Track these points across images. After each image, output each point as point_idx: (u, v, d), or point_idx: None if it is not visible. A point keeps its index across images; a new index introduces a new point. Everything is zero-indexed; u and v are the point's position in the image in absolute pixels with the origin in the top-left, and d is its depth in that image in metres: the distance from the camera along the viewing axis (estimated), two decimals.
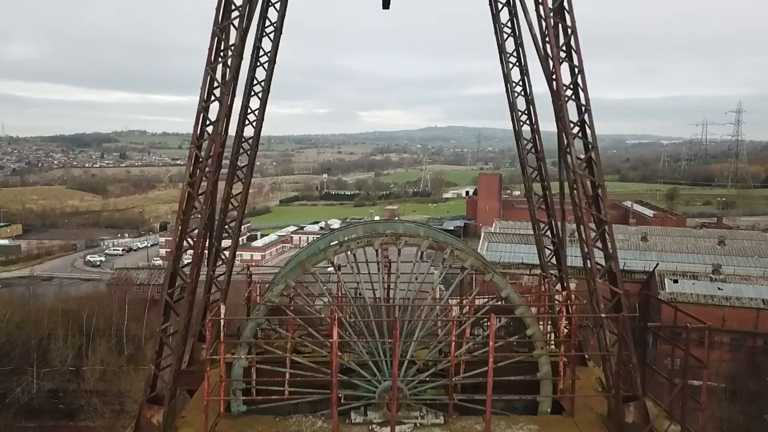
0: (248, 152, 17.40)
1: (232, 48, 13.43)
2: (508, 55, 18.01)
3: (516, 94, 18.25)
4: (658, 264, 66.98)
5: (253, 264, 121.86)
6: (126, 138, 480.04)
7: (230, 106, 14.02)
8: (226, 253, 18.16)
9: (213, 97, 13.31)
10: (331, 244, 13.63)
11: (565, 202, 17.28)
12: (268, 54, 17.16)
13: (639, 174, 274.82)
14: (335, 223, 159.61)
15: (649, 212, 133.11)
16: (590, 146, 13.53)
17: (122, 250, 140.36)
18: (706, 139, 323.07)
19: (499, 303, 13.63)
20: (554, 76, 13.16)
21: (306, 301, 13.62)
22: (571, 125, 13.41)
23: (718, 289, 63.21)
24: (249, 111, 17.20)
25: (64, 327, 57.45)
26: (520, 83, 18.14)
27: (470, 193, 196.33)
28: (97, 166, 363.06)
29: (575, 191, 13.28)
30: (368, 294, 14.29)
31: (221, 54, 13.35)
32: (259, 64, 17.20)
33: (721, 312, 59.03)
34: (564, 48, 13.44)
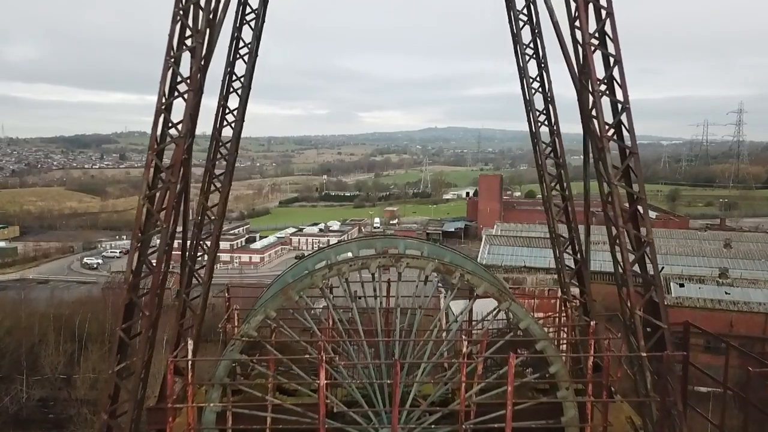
0: (226, 157, 15.28)
1: (198, 34, 11.40)
2: (524, 46, 15.96)
3: (533, 91, 16.14)
4: (663, 267, 65.41)
5: (251, 266, 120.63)
6: (126, 139, 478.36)
7: (198, 104, 12.20)
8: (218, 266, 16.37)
9: (177, 93, 11.50)
10: (319, 266, 11.93)
11: (585, 211, 15.57)
12: (249, 45, 15.09)
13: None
14: (334, 225, 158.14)
15: (652, 214, 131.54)
16: (629, 152, 11.74)
17: (120, 252, 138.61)
18: (707, 139, 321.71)
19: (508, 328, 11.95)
20: (586, 68, 11.32)
21: (289, 333, 11.91)
22: (606, 127, 11.58)
23: (726, 293, 61.88)
24: (227, 111, 15.14)
25: (56, 333, 56.00)
26: (538, 79, 16.11)
27: (470, 194, 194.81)
28: (97, 167, 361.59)
29: (610, 205, 11.56)
30: (363, 315, 12.60)
31: (186, 42, 11.51)
32: (238, 56, 15.11)
33: (729, 317, 57.81)
34: (597, 34, 11.59)
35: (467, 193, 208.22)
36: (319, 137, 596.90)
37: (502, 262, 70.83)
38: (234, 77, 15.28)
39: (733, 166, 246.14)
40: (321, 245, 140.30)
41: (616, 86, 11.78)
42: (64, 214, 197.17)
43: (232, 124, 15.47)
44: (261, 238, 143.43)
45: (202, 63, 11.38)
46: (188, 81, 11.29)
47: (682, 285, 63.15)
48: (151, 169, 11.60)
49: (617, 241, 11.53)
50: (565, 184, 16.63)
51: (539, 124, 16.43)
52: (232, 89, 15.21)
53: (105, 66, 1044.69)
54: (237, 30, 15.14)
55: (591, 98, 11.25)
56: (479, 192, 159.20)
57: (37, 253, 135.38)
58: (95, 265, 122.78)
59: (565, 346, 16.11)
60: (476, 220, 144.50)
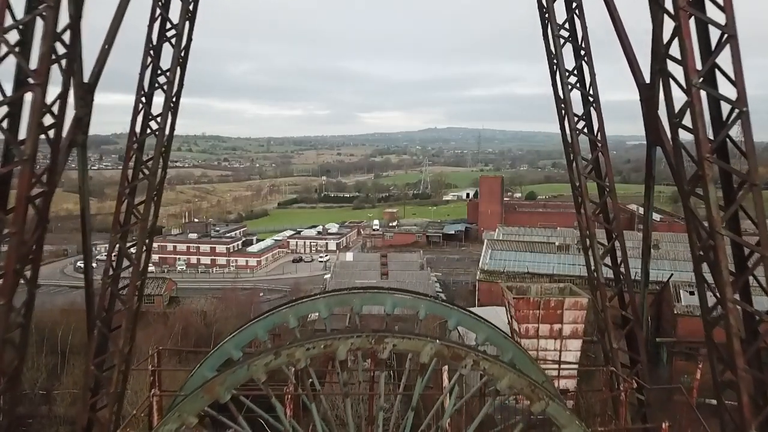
0: (149, 177, 12.25)
1: None
2: (558, 27, 11.97)
3: (569, 88, 12.12)
4: (672, 274, 63.05)
5: (247, 270, 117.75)
6: (125, 140, 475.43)
7: (61, 107, 9.04)
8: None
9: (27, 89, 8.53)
10: (262, 353, 8.74)
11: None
12: (177, 27, 11.64)
13: (641, 176, 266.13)
14: (333, 227, 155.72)
15: (656, 216, 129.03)
16: (740, 182, 7.82)
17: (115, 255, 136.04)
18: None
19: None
20: (684, 55, 7.45)
21: None
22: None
23: None
24: (150, 116, 12.13)
25: (37, 344, 53.46)
26: (575, 72, 12.24)
27: (471, 195, 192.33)
28: (96, 168, 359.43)
29: (709, 264, 7.52)
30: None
31: (38, 7, 8.33)
32: (165, 39, 11.76)
33: None
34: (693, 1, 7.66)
35: (467, 195, 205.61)
36: (319, 138, 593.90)
37: (505, 268, 69.03)
38: (159, 71, 11.98)
39: (735, 166, 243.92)
40: (319, 248, 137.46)
41: (724, 79, 7.84)
42: (60, 216, 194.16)
43: (158, 133, 12.32)
44: (258, 240, 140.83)
45: (59, 42, 8.14)
46: (35, 72, 8.03)
47: (692, 293, 60.61)
48: None
49: (725, 323, 7.65)
50: (612, 215, 12.77)
51: (577, 132, 12.41)
52: (156, 84, 11.92)
53: (104, 66, 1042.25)
54: (160, 6, 11.64)
55: (677, 96, 7.65)
56: (480, 194, 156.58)
57: None
58: None
59: None
60: (477, 222, 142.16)
